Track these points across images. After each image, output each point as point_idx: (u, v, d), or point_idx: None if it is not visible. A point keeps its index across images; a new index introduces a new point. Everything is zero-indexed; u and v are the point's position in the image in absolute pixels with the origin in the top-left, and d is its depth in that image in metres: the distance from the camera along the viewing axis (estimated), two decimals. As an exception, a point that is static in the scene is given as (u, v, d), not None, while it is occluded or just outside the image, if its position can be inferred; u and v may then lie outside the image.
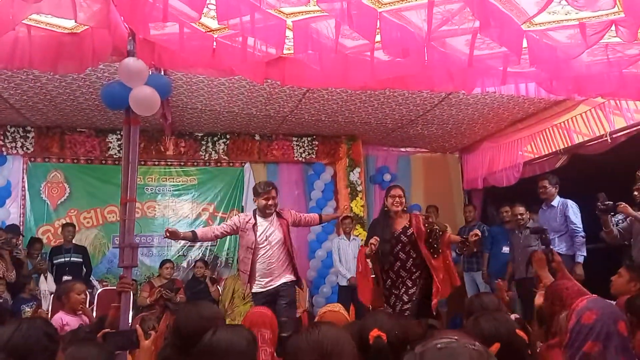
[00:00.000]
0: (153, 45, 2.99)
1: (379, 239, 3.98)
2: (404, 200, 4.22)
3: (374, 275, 4.28)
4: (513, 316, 2.40)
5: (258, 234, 4.16)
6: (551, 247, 3.18)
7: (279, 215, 4.31)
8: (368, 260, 4.14)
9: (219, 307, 5.84)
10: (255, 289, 4.18)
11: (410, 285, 4.08)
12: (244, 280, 4.23)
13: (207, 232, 4.26)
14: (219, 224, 6.69)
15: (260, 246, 4.15)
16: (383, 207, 4.33)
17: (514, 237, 5.60)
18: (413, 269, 4.10)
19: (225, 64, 3.20)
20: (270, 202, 4.18)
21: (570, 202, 5.05)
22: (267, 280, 4.16)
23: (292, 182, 7.11)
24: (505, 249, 5.88)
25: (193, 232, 4.17)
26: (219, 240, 6.17)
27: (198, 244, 6.55)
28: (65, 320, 3.66)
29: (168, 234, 3.92)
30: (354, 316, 4.07)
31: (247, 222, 4.21)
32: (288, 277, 4.20)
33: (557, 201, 5.13)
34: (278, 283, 4.16)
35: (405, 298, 4.05)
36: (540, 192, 5.18)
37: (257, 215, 4.25)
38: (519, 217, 5.48)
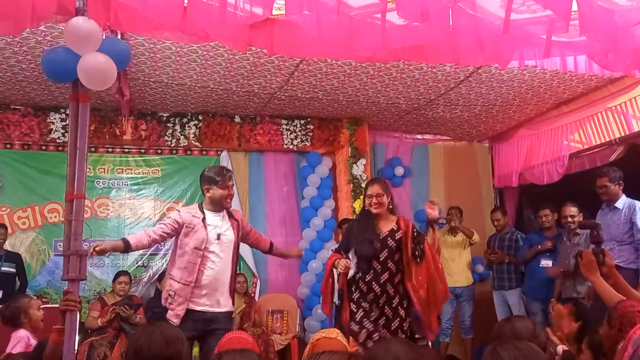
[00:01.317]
0: (108, 2, 2.97)
1: (357, 250, 4.15)
2: (384, 199, 4.25)
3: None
4: (560, 348, 2.41)
5: (209, 230, 4.10)
6: (603, 247, 3.14)
7: (229, 213, 4.26)
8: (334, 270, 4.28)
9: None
10: (189, 306, 4.01)
11: (396, 312, 4.18)
12: (184, 296, 4.00)
13: (141, 237, 4.07)
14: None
15: (211, 248, 4.08)
16: (363, 206, 4.43)
17: (562, 246, 5.61)
18: (400, 287, 4.20)
19: (198, 27, 3.18)
20: (228, 193, 4.15)
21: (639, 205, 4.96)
22: (207, 298, 4.05)
23: (280, 175, 7.12)
24: (546, 262, 5.91)
25: (124, 239, 4.02)
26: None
27: (162, 252, 6.55)
28: (31, 341, 3.82)
29: (94, 253, 3.75)
30: (354, 345, 4.11)
31: (193, 215, 4.13)
32: (228, 305, 4.16)
33: (622, 202, 5.02)
34: (220, 309, 4.08)
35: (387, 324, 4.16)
36: (600, 192, 5.10)
37: (204, 209, 4.19)
38: (570, 219, 5.48)
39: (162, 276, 5.99)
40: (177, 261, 4.11)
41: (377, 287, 4.17)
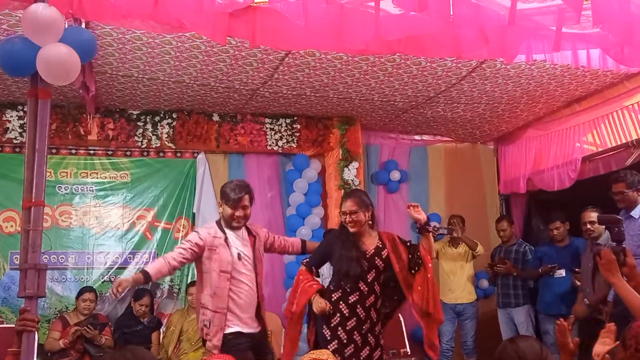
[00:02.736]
0: (71, -13, 2.97)
1: (342, 268, 4.15)
2: (360, 216, 4.22)
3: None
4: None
5: (232, 251, 4.21)
6: (624, 245, 3.10)
7: (247, 230, 4.37)
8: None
9: (158, 354, 5.83)
10: (234, 328, 4.15)
11: (378, 342, 4.24)
12: (218, 324, 4.12)
13: (161, 267, 4.16)
14: (160, 237, 6.57)
15: (238, 269, 4.20)
16: (341, 222, 4.41)
17: (584, 256, 5.64)
18: (381, 314, 4.26)
19: (172, 15, 3.18)
20: (239, 214, 4.23)
21: None
22: (247, 316, 4.23)
23: (263, 180, 7.11)
24: (560, 272, 5.95)
25: (143, 271, 4.13)
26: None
27: (132, 265, 6.52)
28: None
29: (117, 292, 3.91)
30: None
31: (214, 237, 4.22)
32: (256, 325, 4.31)
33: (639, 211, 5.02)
34: (253, 330, 4.25)
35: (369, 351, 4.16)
36: (617, 200, 5.09)
37: (224, 228, 4.27)
38: (590, 227, 5.49)
39: (137, 293, 5.98)
40: (205, 289, 4.22)
41: (362, 311, 4.16)
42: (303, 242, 4.78)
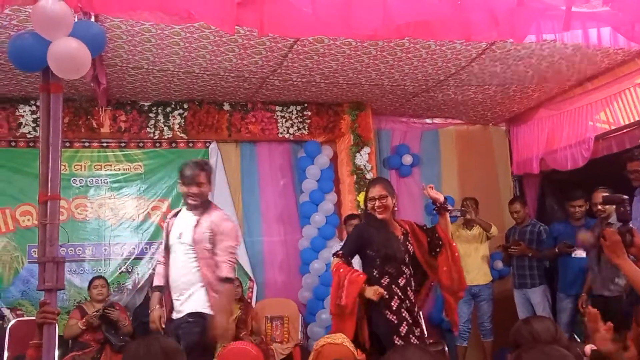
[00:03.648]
0: (79, -18, 2.97)
1: (388, 252, 4.15)
2: (389, 201, 4.27)
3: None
4: (588, 347, 2.41)
5: (175, 226, 4.30)
6: (631, 225, 3.04)
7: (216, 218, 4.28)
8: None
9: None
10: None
11: (420, 319, 4.31)
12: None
13: (161, 270, 4.36)
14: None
15: (172, 246, 4.28)
16: (365, 210, 4.43)
17: (593, 236, 5.61)
18: (412, 291, 4.30)
19: (180, 6, 3.18)
20: (194, 191, 4.19)
21: None
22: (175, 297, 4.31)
23: (275, 167, 7.14)
24: (579, 253, 5.93)
25: (158, 287, 4.30)
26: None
27: (148, 256, 6.59)
28: None
29: (160, 327, 4.10)
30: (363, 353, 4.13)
31: (170, 218, 4.41)
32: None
33: None
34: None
35: (417, 329, 4.20)
36: (632, 178, 5.09)
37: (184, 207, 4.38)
38: (601, 207, 5.48)
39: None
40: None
41: (410, 292, 4.24)
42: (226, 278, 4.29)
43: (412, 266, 4.30)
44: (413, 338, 4.09)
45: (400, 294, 4.17)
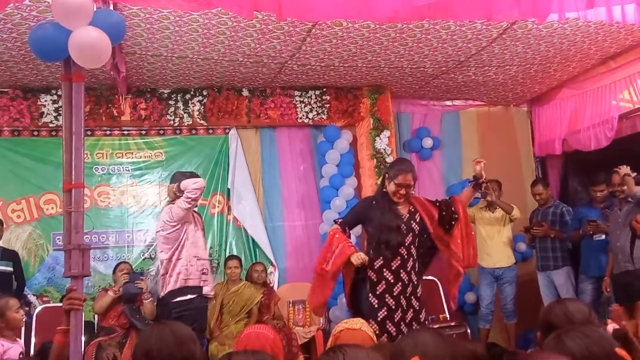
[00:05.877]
0: (98, -30, 2.99)
1: (382, 238, 4.24)
2: (411, 191, 4.42)
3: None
4: (611, 326, 2.40)
5: None
6: None
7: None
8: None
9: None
10: None
11: (421, 304, 4.36)
12: None
13: None
14: (198, 213, 6.71)
15: None
16: (382, 187, 4.49)
17: (613, 215, 5.58)
18: (420, 276, 4.40)
19: (198, -7, 3.18)
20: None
21: None
22: None
23: (295, 153, 7.15)
24: (600, 235, 5.89)
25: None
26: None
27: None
28: (5, 347, 3.76)
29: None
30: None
31: None
32: None
33: None
34: None
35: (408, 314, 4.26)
36: None
37: None
38: (618, 187, 5.43)
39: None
40: None
41: (405, 275, 4.27)
42: None
43: (419, 241, 4.36)
44: (390, 325, 4.17)
45: (390, 278, 4.23)
